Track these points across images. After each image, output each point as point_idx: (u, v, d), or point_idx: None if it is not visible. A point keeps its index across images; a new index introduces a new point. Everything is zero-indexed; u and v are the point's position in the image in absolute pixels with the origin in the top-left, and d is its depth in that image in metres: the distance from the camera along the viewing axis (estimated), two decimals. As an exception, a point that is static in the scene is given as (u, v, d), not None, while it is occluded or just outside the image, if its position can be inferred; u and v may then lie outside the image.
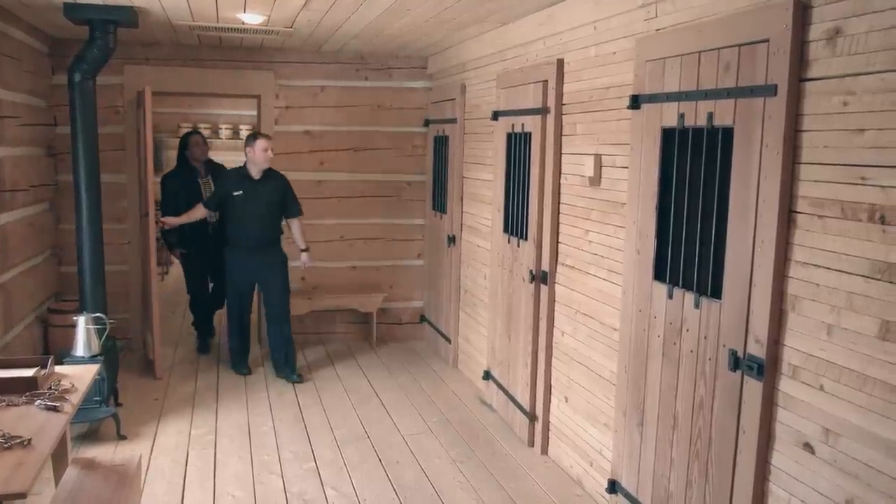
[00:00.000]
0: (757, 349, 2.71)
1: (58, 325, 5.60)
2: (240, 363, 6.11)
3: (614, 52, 3.74)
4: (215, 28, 5.48)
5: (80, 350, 4.63)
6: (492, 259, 5.37)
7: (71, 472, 3.25)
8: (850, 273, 2.34)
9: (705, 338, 3.01)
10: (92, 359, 4.57)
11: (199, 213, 6.01)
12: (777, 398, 2.66)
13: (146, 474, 4.24)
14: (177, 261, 6.89)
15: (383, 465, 4.46)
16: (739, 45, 2.77)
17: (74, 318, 4.76)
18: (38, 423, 2.74)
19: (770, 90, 2.60)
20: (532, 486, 4.21)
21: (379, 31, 5.52)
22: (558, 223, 4.39)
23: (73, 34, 5.62)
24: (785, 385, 2.63)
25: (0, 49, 4.86)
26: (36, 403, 2.89)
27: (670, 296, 3.25)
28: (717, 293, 2.95)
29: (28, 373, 3.08)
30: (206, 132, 13.20)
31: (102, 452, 4.45)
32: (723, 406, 2.90)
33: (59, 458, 3.35)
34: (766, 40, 2.62)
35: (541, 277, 4.54)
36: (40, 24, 5.54)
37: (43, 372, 3.13)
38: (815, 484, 2.49)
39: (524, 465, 4.47)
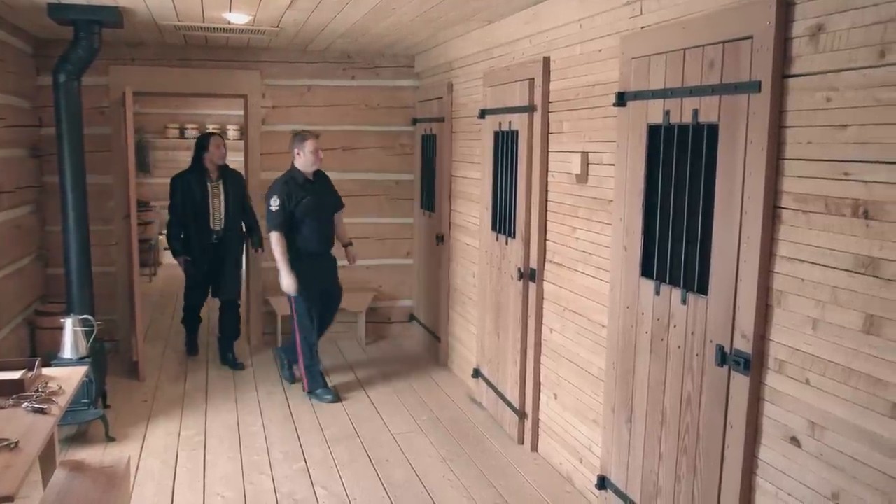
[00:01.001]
0: (743, 344, 2.72)
1: (45, 328, 5.56)
2: (326, 385, 5.55)
3: (600, 50, 3.75)
4: (201, 28, 5.46)
5: (67, 352, 4.60)
6: (480, 257, 5.38)
7: (59, 475, 3.24)
8: (835, 268, 2.36)
9: (692, 333, 3.03)
10: (79, 361, 4.55)
11: (281, 244, 5.25)
12: (764, 393, 2.68)
13: (135, 476, 4.22)
14: (178, 267, 6.60)
15: (373, 463, 4.46)
16: (724, 42, 2.79)
17: (61, 320, 4.73)
18: (25, 425, 2.72)
19: (754, 87, 2.62)
20: (522, 484, 4.23)
21: (365, 30, 5.52)
22: (546, 220, 4.40)
23: (57, 35, 5.59)
24: (771, 379, 2.65)
25: (-16, 50, 4.84)
26: (23, 406, 2.88)
27: (657, 292, 3.26)
28: (703, 289, 2.96)
29: (15, 375, 3.06)
30: (193, 132, 13.17)
31: (91, 455, 4.43)
32: (710, 401, 2.92)
33: (46, 460, 3.33)
34: (750, 37, 2.64)
35: (529, 275, 4.55)
36: (24, 25, 5.51)
37: (30, 374, 3.11)
38: (801, 477, 2.51)
39: (514, 463, 4.49)
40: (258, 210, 6.23)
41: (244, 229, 6.30)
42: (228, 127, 13.32)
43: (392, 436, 4.86)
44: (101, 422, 4.73)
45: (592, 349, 3.90)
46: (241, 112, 7.07)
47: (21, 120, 5.71)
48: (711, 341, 2.90)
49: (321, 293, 5.54)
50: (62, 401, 2.99)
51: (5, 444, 2.53)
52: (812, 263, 2.45)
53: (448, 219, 6.13)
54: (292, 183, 5.34)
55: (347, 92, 6.90)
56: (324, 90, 6.86)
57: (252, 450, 4.63)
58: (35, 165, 6.08)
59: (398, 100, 7.01)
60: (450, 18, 4.93)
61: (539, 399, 4.58)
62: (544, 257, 4.43)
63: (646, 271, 3.36)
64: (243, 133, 7.63)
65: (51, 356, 4.62)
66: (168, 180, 6.35)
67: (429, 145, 6.61)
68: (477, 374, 5.46)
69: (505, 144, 4.88)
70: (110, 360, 5.53)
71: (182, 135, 13.00)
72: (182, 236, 6.13)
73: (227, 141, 15.11)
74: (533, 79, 4.40)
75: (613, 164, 3.60)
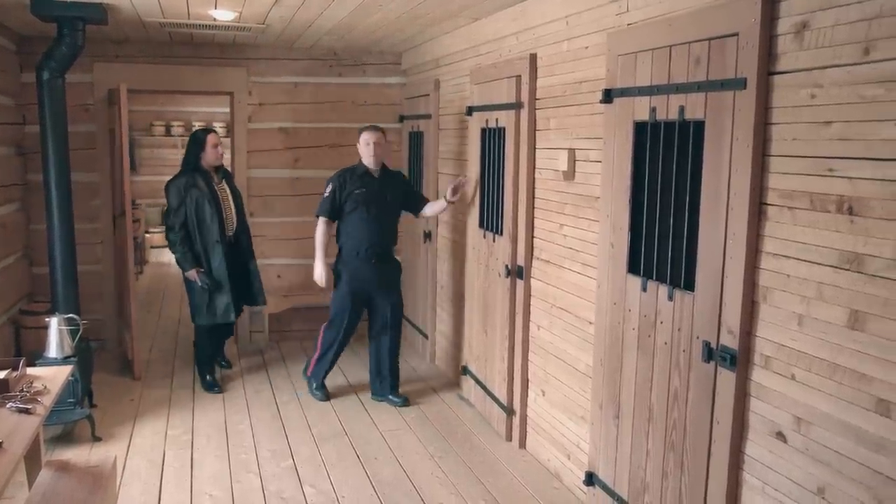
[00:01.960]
0: (730, 340, 2.73)
1: (30, 327, 5.53)
2: (324, 385, 5.46)
3: (586, 47, 3.76)
4: (186, 25, 5.43)
5: (52, 351, 4.57)
6: (468, 254, 5.38)
7: (44, 475, 3.21)
8: (820, 264, 2.37)
9: (679, 330, 3.04)
10: (65, 360, 4.52)
11: (321, 232, 5.15)
12: (750, 388, 2.69)
13: (122, 476, 4.20)
14: (164, 266, 6.25)
15: (361, 461, 4.45)
16: (709, 39, 2.79)
17: (47, 319, 4.70)
18: (9, 425, 2.70)
19: (740, 83, 2.62)
20: (510, 481, 4.23)
21: (352, 27, 5.50)
22: (533, 217, 4.40)
23: (41, 31, 5.55)
24: (757, 375, 2.66)
25: (-34, 47, 4.80)
26: (7, 406, 2.86)
27: (644, 288, 3.27)
28: (690, 285, 2.97)
29: (-1, 375, 3.04)
30: (179, 129, 13.11)
31: (77, 454, 4.40)
32: (697, 397, 2.93)
33: (32, 460, 3.31)
34: (736, 34, 2.65)
35: (516, 272, 4.56)
36: (7, 21, 5.46)
37: (14, 374, 3.09)
38: (787, 472, 2.52)
39: (502, 460, 4.49)
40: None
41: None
42: (215, 124, 13.26)
43: (380, 433, 4.86)
44: (88, 421, 4.70)
45: (580, 346, 3.91)
46: (228, 109, 7.03)
47: (5, 118, 5.67)
48: (698, 337, 2.91)
49: (366, 299, 5.24)
50: (47, 400, 2.97)
51: (-11, 444, 2.51)
52: (797, 259, 2.46)
53: (435, 216, 6.12)
54: (350, 173, 5.20)
55: (334, 89, 6.88)
56: (310, 87, 6.84)
57: (240, 448, 4.62)
58: (19, 163, 6.04)
59: (385, 97, 7.00)
60: (436, 15, 4.92)
61: (527, 396, 4.59)
62: (531, 254, 4.44)
63: (633, 268, 3.37)
64: (229, 130, 7.59)
65: (36, 355, 4.58)
66: (155, 178, 6.27)
67: (416, 143, 6.60)
68: (465, 371, 5.46)
69: (492, 141, 4.87)
70: (97, 359, 5.50)
71: (168, 132, 12.93)
72: (185, 249, 5.41)
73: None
74: (520, 76, 4.40)
75: (600, 161, 3.60)
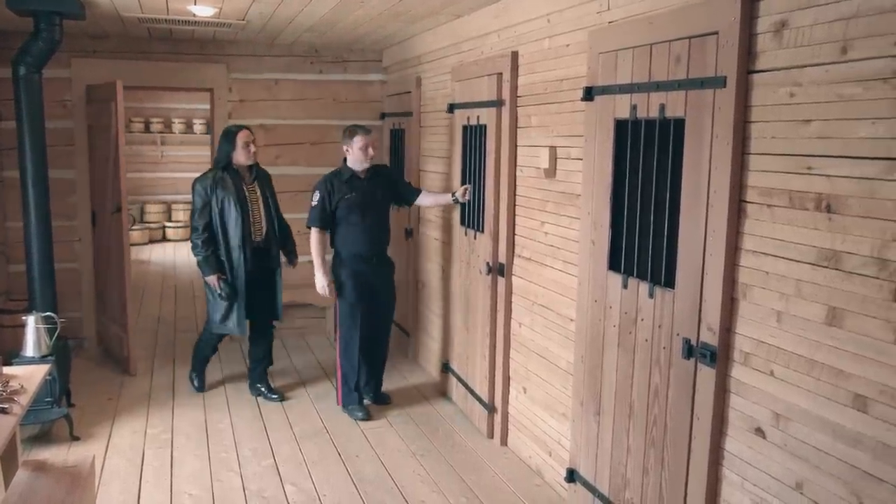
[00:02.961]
0: (709, 337, 2.75)
1: (6, 326, 5.46)
2: (361, 401, 5.17)
3: (568, 45, 3.76)
4: (165, 20, 5.38)
5: (29, 350, 4.51)
6: (450, 252, 5.37)
7: (21, 475, 3.18)
8: (798, 261, 2.39)
9: (659, 327, 3.06)
10: (42, 359, 4.46)
11: (317, 242, 4.99)
12: (729, 384, 2.71)
13: (100, 475, 4.17)
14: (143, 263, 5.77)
15: (343, 459, 4.44)
16: (690, 38, 2.81)
17: (23, 317, 4.64)
18: (-15, 425, 2.67)
19: (720, 82, 2.64)
20: (492, 478, 4.24)
21: (333, 24, 5.48)
22: (514, 215, 4.41)
23: (16, 26, 5.47)
24: (737, 371, 2.68)
25: (-60, 42, 4.72)
26: (-17, 406, 2.82)
27: (625, 286, 3.28)
28: (670, 282, 2.99)
29: (-25, 374, 3.00)
30: (158, 126, 13.01)
31: (54, 454, 4.36)
32: (677, 393, 2.95)
33: (8, 460, 3.26)
34: (716, 33, 2.66)
35: (497, 269, 4.56)
36: (-18, 16, 5.39)
37: (-10, 373, 3.05)
38: (766, 467, 2.54)
39: (484, 457, 4.50)
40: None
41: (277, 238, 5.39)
42: (195, 121, 13.20)
43: (361, 431, 4.85)
44: (65, 420, 4.65)
45: (561, 343, 3.92)
46: (208, 106, 6.99)
47: (-20, 113, 5.60)
48: (678, 334, 2.93)
49: (369, 298, 5.11)
50: (24, 400, 2.93)
51: (-35, 444, 2.48)
52: (776, 257, 2.48)
53: (417, 213, 6.12)
54: (337, 179, 4.99)
55: (315, 86, 6.86)
56: (291, 84, 6.81)
57: (220, 447, 4.59)
58: (-5, 160, 5.96)
59: (366, 94, 6.98)
60: (418, 12, 4.91)
61: (508, 393, 4.59)
62: (513, 252, 4.44)
63: (613, 265, 3.38)
64: (209, 127, 7.55)
65: (13, 354, 4.53)
66: (134, 175, 6.20)
67: (397, 140, 6.59)
68: (447, 368, 5.46)
69: (473, 139, 4.87)
70: (74, 357, 5.44)
71: (147, 129, 12.84)
72: (208, 252, 5.07)
73: (193, 136, 14.91)
74: (501, 73, 4.40)
75: (581, 159, 3.61)
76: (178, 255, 11.84)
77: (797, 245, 2.39)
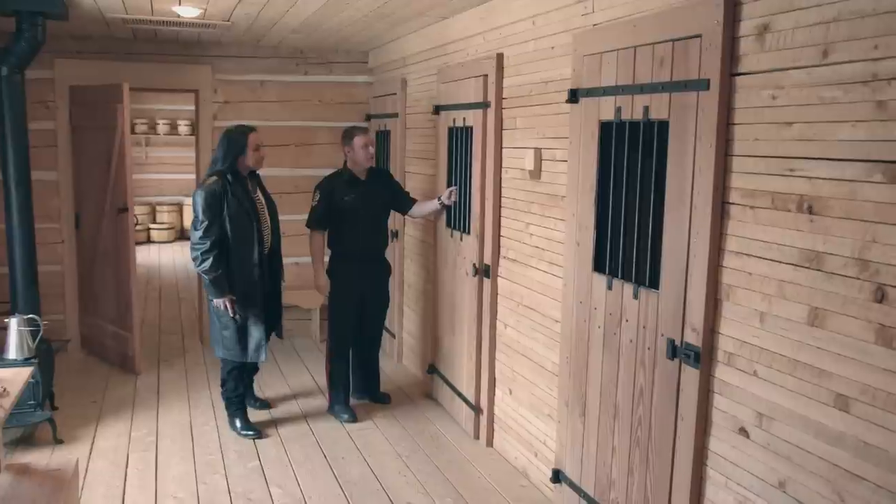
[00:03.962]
0: (693, 338, 2.77)
1: (-12, 328, 5.42)
2: (347, 402, 5.13)
3: (552, 47, 3.78)
4: (150, 21, 5.36)
5: (12, 353, 4.49)
6: (436, 253, 5.38)
7: (3, 479, 3.15)
8: (781, 262, 2.41)
9: (644, 328, 3.07)
10: (25, 361, 4.44)
11: (315, 243, 4.98)
12: (713, 385, 2.73)
13: (84, 479, 4.14)
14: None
15: (329, 461, 4.43)
16: (673, 41, 2.83)
17: (6, 319, 4.61)
18: (-33, 429, 2.65)
19: (703, 84, 2.66)
20: (478, 479, 4.24)
21: (318, 26, 5.47)
22: (500, 217, 4.42)
23: (-1, 26, 5.44)
24: (721, 372, 2.70)
25: (-79, 42, 4.68)
26: (-35, 409, 2.80)
27: (610, 287, 3.30)
28: (654, 284, 3.01)
29: (-43, 377, 2.98)
30: (142, 127, 12.94)
31: (38, 458, 4.32)
32: (662, 394, 2.97)
33: (-9, 464, 3.25)
34: (699, 36, 2.68)
35: (483, 271, 4.57)
36: (-36, 17, 5.34)
37: (-28, 376, 3.03)
38: (750, 467, 2.56)
39: (470, 458, 4.50)
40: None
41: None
42: (179, 122, 13.13)
43: (347, 433, 4.84)
44: (49, 424, 4.62)
45: (546, 344, 3.94)
46: (193, 107, 6.96)
47: (-38, 114, 5.54)
48: (662, 335, 2.95)
49: (360, 301, 5.09)
50: (7, 403, 2.91)
51: (-53, 448, 2.46)
52: (759, 258, 2.50)
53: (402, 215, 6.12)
54: (337, 180, 4.97)
55: (300, 88, 6.85)
56: (276, 86, 6.80)
57: (205, 449, 4.57)
58: (-23, 161, 5.90)
59: (351, 96, 6.98)
60: (404, 14, 4.92)
61: (494, 394, 4.60)
62: (498, 253, 4.45)
63: (598, 266, 3.40)
64: (194, 129, 7.50)
65: (-5, 357, 4.50)
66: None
67: (383, 142, 6.58)
68: (432, 370, 5.47)
69: (459, 140, 4.88)
70: (58, 360, 5.40)
71: (132, 130, 12.75)
72: (219, 271, 4.49)
73: (178, 137, 14.78)
74: (486, 75, 4.41)
75: (566, 161, 3.63)
76: (162, 256, 11.78)
77: (779, 246, 2.42)
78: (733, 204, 2.61)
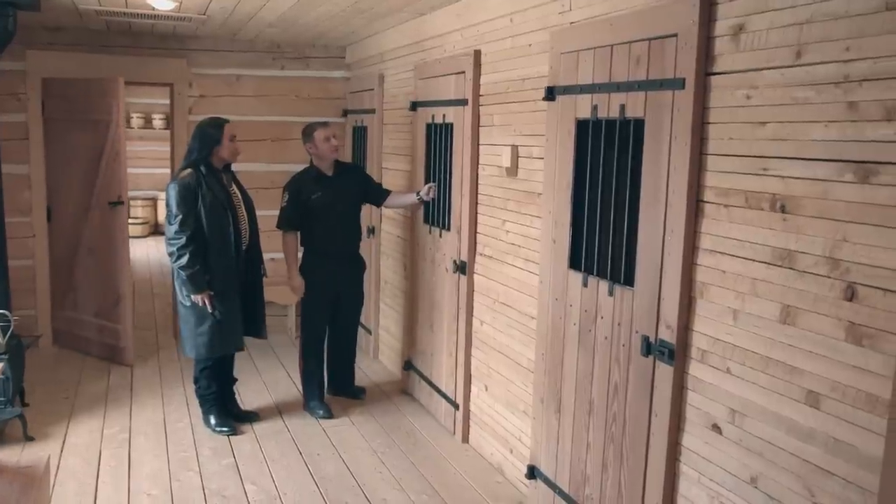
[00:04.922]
0: (668, 335, 2.79)
1: (-43, 324, 5.33)
2: (321, 398, 5.10)
3: (530, 45, 3.79)
4: (124, 13, 5.30)
5: (-18, 349, 4.43)
6: (413, 250, 5.37)
7: (-27, 477, 3.11)
8: (754, 260, 2.44)
9: (619, 324, 3.09)
10: (-5, 358, 4.38)
11: (288, 243, 4.93)
12: (687, 381, 2.76)
13: (56, 476, 4.09)
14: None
15: (304, 457, 4.42)
16: (649, 40, 2.84)
17: (-25, 315, 4.54)
18: (-65, 426, 2.61)
19: (678, 83, 2.68)
20: (454, 475, 4.25)
21: (295, 20, 5.44)
22: (476, 213, 4.42)
23: (-31, 17, 5.34)
24: (694, 369, 2.72)
25: None
26: (-67, 406, 2.75)
27: (585, 284, 3.32)
28: (630, 281, 3.03)
29: (-76, 374, 2.93)
30: (116, 121, 12.75)
31: (8, 455, 4.27)
32: (636, 390, 2.99)
33: (-40, 462, 3.20)
34: (675, 35, 2.70)
35: (460, 267, 4.57)
36: (-67, 6, 5.25)
37: (-59, 372, 2.98)
38: (723, 463, 2.59)
39: (445, 454, 4.51)
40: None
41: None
42: (154, 116, 13.01)
43: (322, 429, 4.83)
44: (19, 420, 4.55)
45: (522, 341, 3.95)
46: (168, 101, 6.89)
47: (-70, 106, 5.46)
48: (637, 332, 2.97)
49: (334, 297, 5.06)
50: (-24, 400, 2.87)
51: (-86, 445, 2.42)
52: (733, 256, 2.53)
53: (379, 211, 6.11)
54: (305, 178, 4.93)
55: (277, 82, 6.81)
56: (253, 80, 6.75)
57: (179, 447, 4.54)
58: (-54, 154, 5.81)
59: (329, 91, 6.94)
60: (381, 10, 4.90)
61: (470, 391, 4.61)
62: (475, 250, 4.46)
63: (574, 263, 3.41)
64: (169, 122, 7.43)
65: (-36, 353, 4.43)
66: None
67: (360, 137, 6.57)
68: (409, 366, 5.46)
69: (436, 137, 4.88)
70: (28, 356, 5.33)
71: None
72: (196, 267, 4.41)
73: (152, 131, 14.61)
74: (464, 72, 4.41)
75: (543, 158, 3.64)
76: (136, 251, 11.64)
77: (753, 244, 2.44)
78: (707, 202, 2.63)
